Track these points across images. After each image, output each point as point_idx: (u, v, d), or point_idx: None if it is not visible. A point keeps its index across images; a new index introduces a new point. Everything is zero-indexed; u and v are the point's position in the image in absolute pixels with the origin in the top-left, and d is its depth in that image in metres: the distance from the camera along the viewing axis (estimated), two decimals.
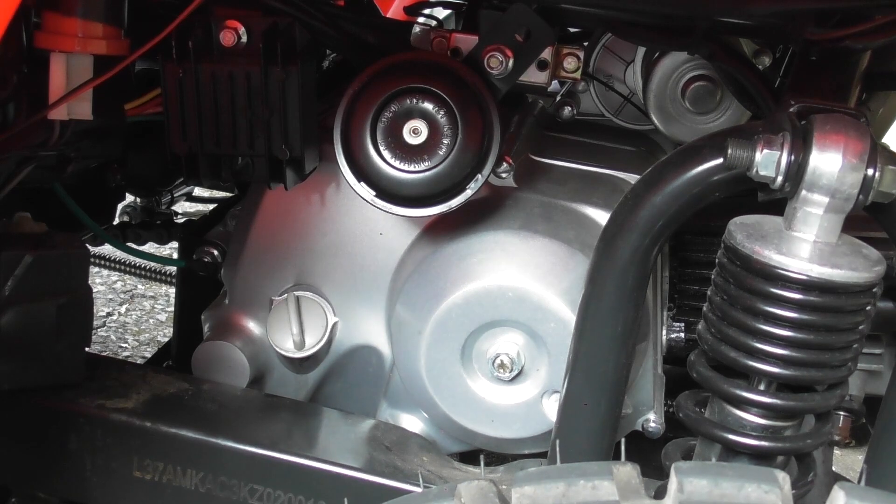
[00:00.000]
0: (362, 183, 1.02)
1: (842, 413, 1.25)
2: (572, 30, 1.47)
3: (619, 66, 1.47)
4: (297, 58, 1.03)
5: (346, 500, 0.91)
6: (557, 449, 0.80)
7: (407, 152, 1.00)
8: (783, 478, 0.57)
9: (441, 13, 1.85)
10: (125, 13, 0.96)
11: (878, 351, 1.27)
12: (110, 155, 1.22)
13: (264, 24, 1.02)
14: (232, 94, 1.03)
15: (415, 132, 1.00)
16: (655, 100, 1.34)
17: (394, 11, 2.21)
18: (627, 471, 0.61)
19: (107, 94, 0.99)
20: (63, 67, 0.93)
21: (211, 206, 2.24)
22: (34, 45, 0.92)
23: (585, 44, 1.45)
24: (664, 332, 1.25)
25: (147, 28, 0.98)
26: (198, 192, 2.18)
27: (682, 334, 1.25)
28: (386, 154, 1.01)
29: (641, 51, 1.43)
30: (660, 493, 0.61)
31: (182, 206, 2.15)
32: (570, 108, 1.38)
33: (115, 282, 3.51)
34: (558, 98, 1.39)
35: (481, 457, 1.14)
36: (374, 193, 1.01)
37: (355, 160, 1.01)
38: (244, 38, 1.02)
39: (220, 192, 2.23)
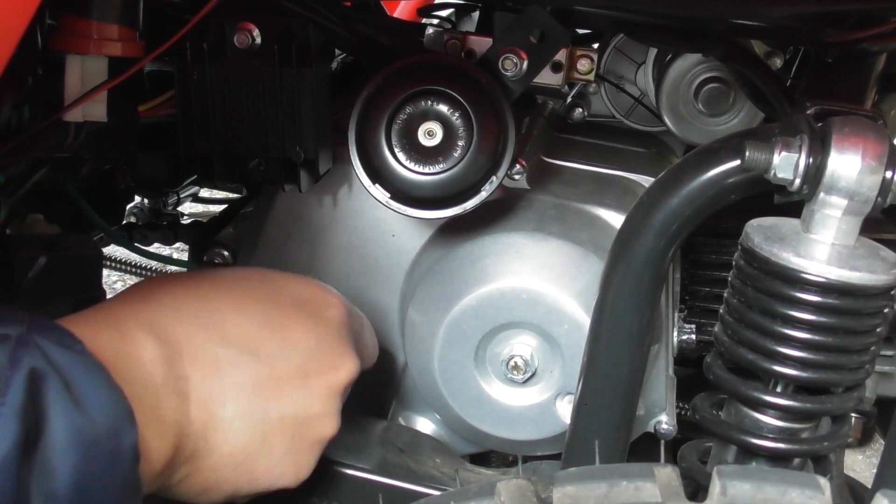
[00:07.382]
0: (377, 185, 1.01)
1: (854, 415, 1.25)
2: (581, 31, 1.48)
3: (629, 67, 1.47)
4: (312, 59, 1.03)
5: (380, 496, 0.90)
6: (597, 450, 0.79)
7: (422, 154, 1.00)
8: (825, 483, 0.57)
9: (445, 13, 1.86)
10: (140, 15, 0.95)
11: (890, 353, 1.27)
12: (124, 157, 1.22)
13: (278, 25, 1.02)
14: (246, 96, 1.03)
15: (430, 134, 0.99)
16: (668, 101, 1.34)
17: (399, 13, 2.22)
18: (668, 472, 0.61)
19: (121, 96, 0.98)
20: (78, 69, 0.92)
21: (213, 207, 2.24)
22: (49, 47, 0.91)
23: (596, 45, 1.45)
24: (675, 333, 1.25)
25: (157, 29, 0.97)
26: (203, 192, 2.18)
27: (693, 336, 1.24)
28: (401, 156, 1.00)
29: (652, 52, 1.43)
30: (693, 495, 0.61)
31: (185, 207, 2.15)
32: (580, 110, 1.38)
33: (115, 282, 3.50)
34: (569, 99, 1.39)
35: (520, 456, 1.14)
36: (388, 195, 1.01)
37: (370, 162, 1.01)
38: (258, 40, 1.01)
39: (222, 193, 2.22)
